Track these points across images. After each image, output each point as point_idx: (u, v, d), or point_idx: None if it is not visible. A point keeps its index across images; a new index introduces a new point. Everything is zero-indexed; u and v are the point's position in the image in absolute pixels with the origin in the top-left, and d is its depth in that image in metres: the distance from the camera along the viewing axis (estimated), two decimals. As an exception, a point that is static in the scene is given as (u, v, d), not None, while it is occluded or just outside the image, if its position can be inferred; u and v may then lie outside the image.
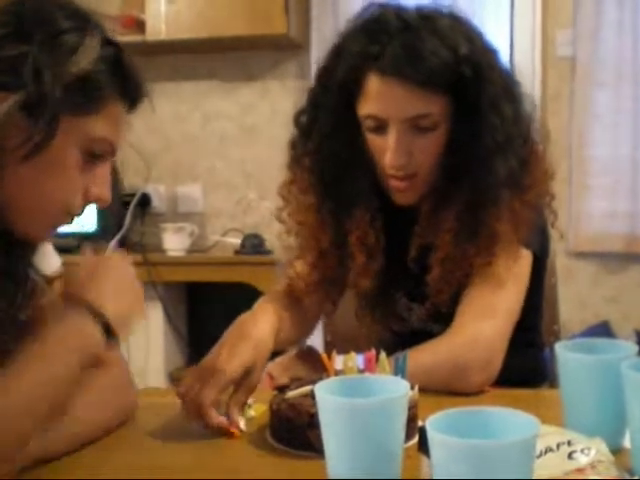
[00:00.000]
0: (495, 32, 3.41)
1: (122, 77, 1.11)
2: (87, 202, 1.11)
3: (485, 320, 1.40)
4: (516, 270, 1.44)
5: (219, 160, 3.83)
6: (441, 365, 1.35)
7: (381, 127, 1.43)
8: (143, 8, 3.50)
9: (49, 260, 1.25)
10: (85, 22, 1.08)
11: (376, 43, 1.39)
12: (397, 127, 1.41)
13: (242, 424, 1.19)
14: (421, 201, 1.50)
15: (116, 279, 1.12)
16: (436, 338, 1.41)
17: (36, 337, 1.02)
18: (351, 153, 1.48)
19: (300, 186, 1.55)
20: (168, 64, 3.80)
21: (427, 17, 1.42)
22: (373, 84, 1.40)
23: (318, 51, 3.55)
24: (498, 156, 1.41)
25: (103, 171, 1.12)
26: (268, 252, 3.38)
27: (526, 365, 1.58)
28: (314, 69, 3.60)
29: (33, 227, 1.10)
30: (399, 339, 1.59)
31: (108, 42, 1.09)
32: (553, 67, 3.55)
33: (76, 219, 1.13)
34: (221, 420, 1.17)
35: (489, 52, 1.45)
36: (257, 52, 3.72)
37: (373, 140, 1.45)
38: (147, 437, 1.20)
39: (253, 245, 3.38)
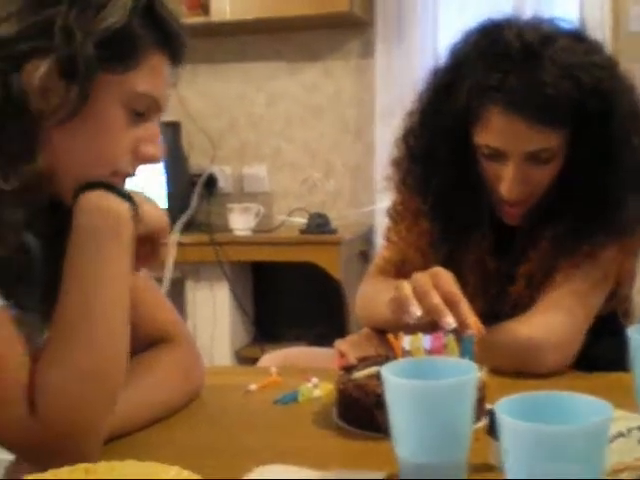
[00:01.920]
0: (564, 6, 3.33)
1: (158, 28, 1.06)
2: (138, 162, 1.09)
3: (563, 309, 1.38)
4: (603, 267, 1.43)
5: (284, 140, 3.83)
6: (515, 343, 1.34)
7: (498, 155, 1.41)
8: (208, -11, 3.52)
9: None
10: None
11: (497, 72, 1.36)
12: (516, 160, 1.39)
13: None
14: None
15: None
16: (511, 319, 1.40)
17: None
18: (465, 178, 1.47)
19: (410, 210, 1.55)
20: (233, 45, 3.81)
21: (548, 38, 1.37)
22: (493, 116, 1.37)
23: (383, 28, 3.52)
24: (628, 192, 1.40)
25: (151, 129, 1.09)
26: (333, 231, 3.38)
27: (610, 354, 1.55)
28: (379, 47, 3.56)
29: None
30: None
31: None
32: (625, 43, 3.46)
33: (129, 181, 1.10)
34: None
35: (612, 71, 1.41)
36: (320, 31, 3.70)
37: (488, 166, 1.44)
38: (213, 417, 1.21)
39: (318, 224, 3.38)
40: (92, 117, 1.02)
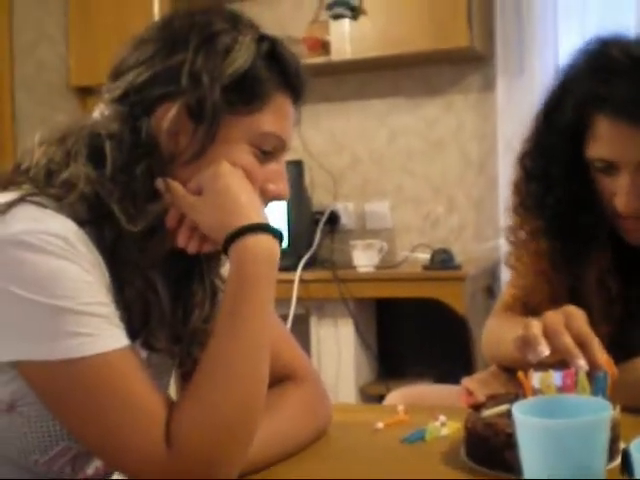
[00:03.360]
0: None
1: (280, 70, 1.09)
2: (266, 199, 1.11)
3: None
4: None
5: (406, 176, 3.83)
6: None
7: (611, 168, 1.39)
8: (328, 30, 3.57)
9: None
10: (236, 22, 1.09)
11: (603, 84, 1.35)
12: (629, 170, 1.37)
13: None
14: None
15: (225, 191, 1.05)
16: None
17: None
18: (583, 195, 1.45)
19: (529, 231, 1.54)
20: (353, 83, 3.85)
21: None
22: (602, 127, 1.36)
23: (503, 62, 3.49)
24: None
25: (277, 167, 1.12)
26: (457, 267, 3.35)
27: None
28: (499, 81, 3.54)
29: None
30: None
31: (262, 38, 1.09)
32: None
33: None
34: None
35: None
36: (440, 66, 3.71)
37: (602, 181, 1.42)
38: (340, 454, 1.21)
39: (442, 260, 3.36)
40: (218, 156, 1.05)
